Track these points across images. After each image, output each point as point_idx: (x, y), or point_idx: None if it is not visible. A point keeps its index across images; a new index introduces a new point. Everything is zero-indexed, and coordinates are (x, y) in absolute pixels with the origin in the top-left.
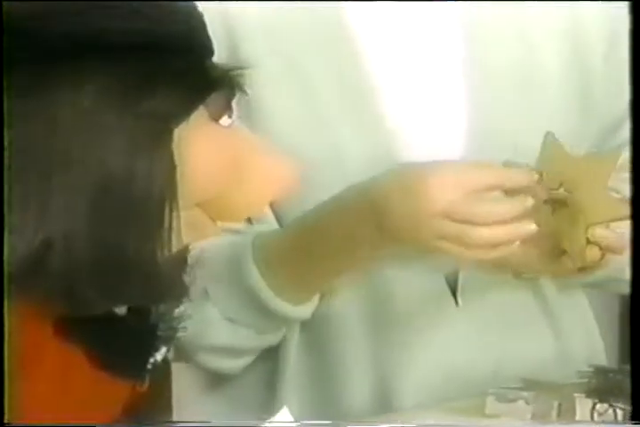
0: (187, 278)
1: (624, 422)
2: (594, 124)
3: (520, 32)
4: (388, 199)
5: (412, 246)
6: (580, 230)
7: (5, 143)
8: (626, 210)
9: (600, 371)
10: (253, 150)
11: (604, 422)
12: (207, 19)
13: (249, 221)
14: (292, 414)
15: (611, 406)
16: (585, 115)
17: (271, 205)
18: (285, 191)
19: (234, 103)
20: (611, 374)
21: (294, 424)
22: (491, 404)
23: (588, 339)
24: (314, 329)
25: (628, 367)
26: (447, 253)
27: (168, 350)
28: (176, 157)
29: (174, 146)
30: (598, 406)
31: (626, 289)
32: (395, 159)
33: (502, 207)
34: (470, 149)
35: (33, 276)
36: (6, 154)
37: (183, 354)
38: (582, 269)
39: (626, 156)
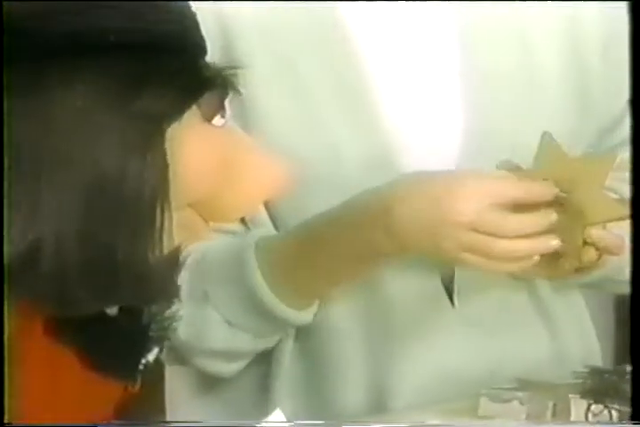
0: (178, 279)
1: (621, 422)
2: (592, 124)
3: (517, 32)
4: (406, 208)
5: (431, 256)
6: (577, 231)
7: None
8: (623, 211)
9: (595, 372)
10: (246, 150)
11: (599, 422)
12: (201, 18)
13: (243, 222)
14: (285, 416)
15: (606, 407)
16: (583, 115)
17: (266, 206)
18: (278, 191)
19: (227, 103)
20: (606, 375)
21: (288, 424)
22: (484, 404)
23: (584, 339)
24: (308, 332)
25: (623, 368)
26: (469, 264)
27: (160, 351)
28: (168, 157)
29: (167, 146)
30: (593, 407)
31: (622, 289)
32: (392, 160)
33: (529, 221)
34: (468, 150)
35: (23, 275)
36: (6, 153)
37: (180, 357)
38: (579, 270)
39: (623, 156)
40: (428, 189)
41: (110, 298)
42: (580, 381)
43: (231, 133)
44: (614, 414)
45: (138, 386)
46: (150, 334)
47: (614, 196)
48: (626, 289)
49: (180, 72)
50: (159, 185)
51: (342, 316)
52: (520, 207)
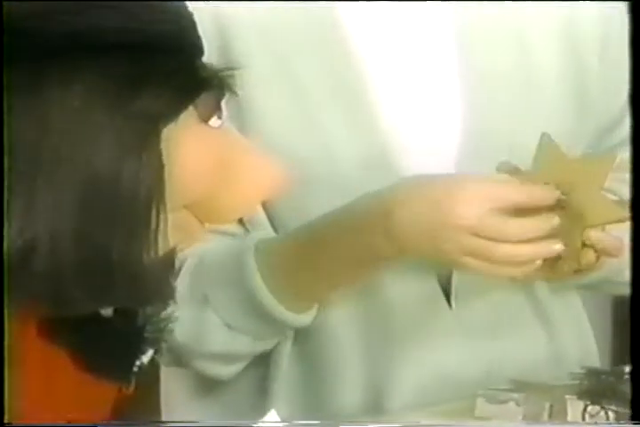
0: (174, 281)
1: (621, 422)
2: (590, 125)
3: (515, 32)
4: (407, 212)
5: (432, 260)
6: (575, 233)
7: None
8: (622, 213)
9: (592, 373)
10: (242, 151)
11: (597, 423)
12: (199, 18)
13: (242, 223)
14: (283, 418)
15: (602, 408)
16: (581, 115)
17: (264, 207)
18: (275, 192)
19: (224, 104)
20: (603, 376)
21: (284, 424)
22: (481, 406)
23: (582, 340)
24: (307, 334)
25: (620, 369)
26: (471, 268)
27: (155, 353)
28: (164, 158)
29: (163, 146)
30: (590, 408)
31: (620, 291)
32: (389, 160)
33: (531, 225)
34: (466, 150)
35: (17, 275)
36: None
37: (179, 359)
38: (577, 272)
39: (622, 157)
40: (428, 193)
41: (105, 298)
42: (577, 382)
43: (227, 134)
44: (611, 415)
45: (132, 388)
46: (145, 335)
47: (613, 197)
48: (623, 290)
49: (177, 72)
50: (155, 186)
51: (340, 318)
52: (521, 211)
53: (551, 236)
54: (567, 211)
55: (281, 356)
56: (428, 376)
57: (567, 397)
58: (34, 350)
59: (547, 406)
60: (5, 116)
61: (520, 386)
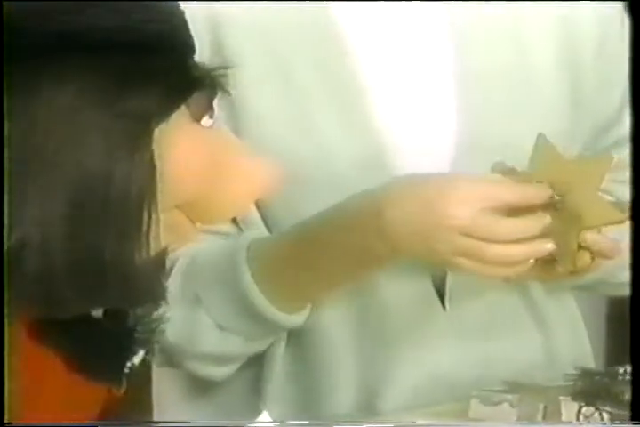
0: (165, 281)
1: (613, 423)
2: (586, 125)
3: (511, 32)
4: (398, 211)
5: (424, 260)
6: (571, 235)
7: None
8: (619, 214)
9: (587, 373)
10: (234, 151)
11: (596, 423)
12: (193, 18)
13: (235, 222)
14: (277, 419)
15: (597, 409)
16: (577, 115)
17: (258, 207)
18: (267, 192)
19: (216, 104)
20: (597, 377)
21: (276, 424)
22: (475, 407)
23: (576, 341)
24: (300, 335)
25: (615, 370)
26: (463, 269)
27: (146, 354)
28: (156, 158)
29: (154, 146)
30: (584, 409)
31: (615, 292)
32: (384, 160)
33: (523, 225)
34: (461, 150)
35: (8, 276)
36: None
37: (171, 360)
38: (573, 273)
39: (618, 157)
40: (420, 193)
41: (96, 299)
42: (572, 383)
43: (219, 134)
44: (605, 416)
45: (123, 389)
46: (136, 336)
47: (610, 198)
48: (618, 291)
49: (169, 72)
50: (146, 186)
51: (334, 319)
52: (514, 211)
53: (543, 235)
54: (563, 212)
55: (274, 357)
56: (422, 377)
57: (561, 398)
58: (23, 351)
59: (541, 407)
60: None
61: (514, 387)
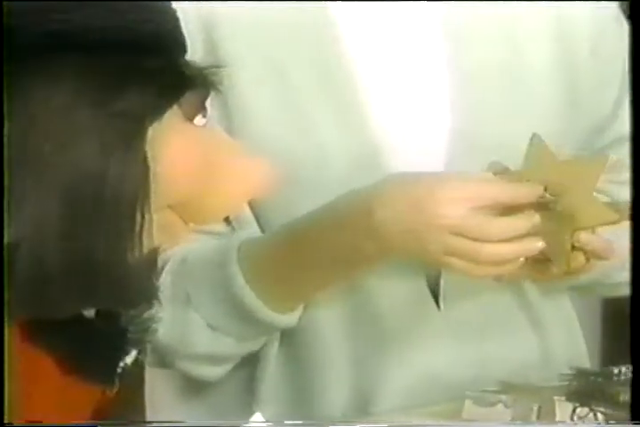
0: (157, 281)
1: (607, 423)
2: (581, 125)
3: (506, 32)
4: (389, 211)
5: (416, 259)
6: (565, 236)
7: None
8: (613, 215)
9: (581, 374)
10: (227, 151)
11: (596, 423)
12: (187, 17)
13: (228, 221)
14: (270, 420)
15: (591, 409)
16: (572, 115)
17: (251, 207)
18: (260, 192)
19: (209, 103)
20: (592, 377)
21: (270, 424)
22: (469, 407)
23: (571, 341)
24: (293, 335)
25: (610, 370)
26: (454, 268)
27: (139, 354)
28: (149, 158)
29: (148, 146)
30: (579, 409)
31: (610, 292)
32: (379, 160)
33: (513, 224)
34: (456, 150)
35: (7, 276)
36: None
37: (163, 360)
38: (567, 274)
39: (614, 158)
40: (410, 192)
41: (89, 299)
42: (566, 383)
43: (212, 133)
44: (600, 416)
45: (116, 389)
46: (129, 336)
47: (606, 199)
48: (613, 292)
49: (161, 71)
50: (140, 186)
51: (328, 319)
52: (505, 210)
53: (534, 234)
54: (557, 212)
55: (268, 357)
56: (416, 378)
57: (556, 398)
58: (15, 352)
59: (535, 407)
60: None
61: (508, 388)
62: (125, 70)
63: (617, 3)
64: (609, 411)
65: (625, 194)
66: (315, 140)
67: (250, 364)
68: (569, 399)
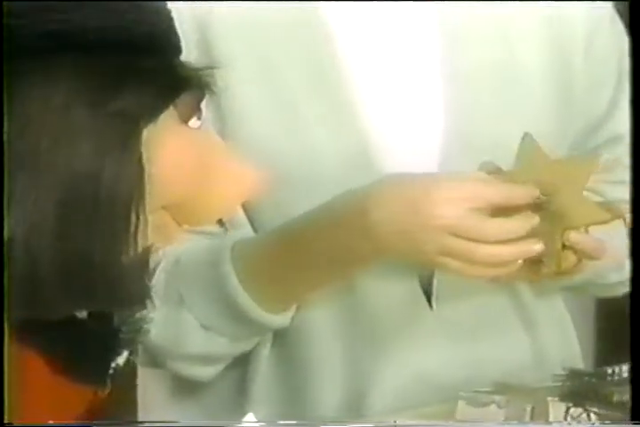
0: (150, 282)
1: (622, 422)
2: (575, 125)
3: (500, 32)
4: (385, 211)
5: (411, 260)
6: (556, 235)
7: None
8: (604, 214)
9: (575, 374)
10: (222, 153)
11: (595, 423)
12: (180, 17)
13: (221, 222)
14: (262, 420)
15: (585, 410)
16: (566, 115)
17: (244, 207)
18: (254, 195)
19: (204, 105)
20: (586, 378)
21: (263, 424)
22: (462, 408)
23: (565, 342)
24: (286, 335)
25: (603, 371)
26: (449, 269)
27: (130, 354)
28: (144, 159)
29: (143, 147)
30: (572, 410)
31: (604, 293)
32: (372, 160)
33: (511, 225)
34: (449, 150)
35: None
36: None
37: (155, 360)
38: (558, 274)
39: (607, 157)
40: (405, 192)
41: (83, 301)
42: (560, 384)
43: (206, 136)
44: (593, 417)
45: (107, 390)
46: (120, 337)
47: (599, 198)
48: (607, 292)
49: (157, 72)
50: (135, 186)
51: (320, 319)
52: (500, 211)
53: (531, 236)
54: (548, 212)
55: (260, 357)
56: (409, 378)
57: (549, 399)
58: (8, 353)
59: (528, 408)
60: None
61: (502, 388)
62: (122, 70)
63: (611, 3)
64: (602, 411)
65: (618, 194)
66: (308, 140)
67: (242, 364)
68: (562, 400)
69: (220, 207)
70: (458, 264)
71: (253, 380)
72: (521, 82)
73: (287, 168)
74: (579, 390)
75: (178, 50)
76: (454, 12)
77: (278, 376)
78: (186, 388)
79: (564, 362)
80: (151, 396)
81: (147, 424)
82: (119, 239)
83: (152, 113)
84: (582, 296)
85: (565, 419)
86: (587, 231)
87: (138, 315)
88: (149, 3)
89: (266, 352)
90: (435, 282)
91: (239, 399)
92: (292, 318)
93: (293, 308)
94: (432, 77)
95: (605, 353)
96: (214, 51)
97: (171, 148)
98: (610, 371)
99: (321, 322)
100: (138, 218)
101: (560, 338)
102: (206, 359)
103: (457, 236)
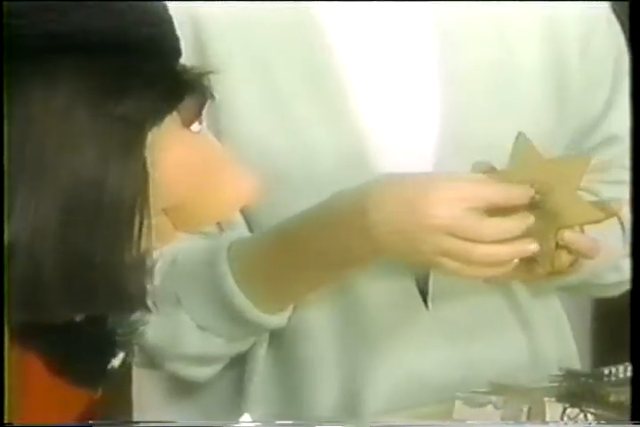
0: (151, 285)
1: (622, 422)
2: (571, 125)
3: (495, 32)
4: (383, 211)
5: (408, 260)
6: (549, 234)
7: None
8: (597, 213)
9: (572, 375)
10: (221, 158)
11: (594, 424)
12: (175, 18)
13: (219, 225)
14: (259, 420)
15: (582, 410)
16: (562, 115)
17: (241, 209)
18: (252, 200)
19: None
20: (582, 378)
21: (259, 424)
22: (459, 408)
23: (561, 342)
24: (282, 335)
25: (600, 371)
26: (446, 268)
27: (126, 356)
28: (149, 163)
29: (147, 151)
30: (569, 410)
31: (600, 293)
32: (368, 161)
33: (507, 225)
34: (445, 150)
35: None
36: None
37: (152, 361)
38: (551, 274)
39: (602, 157)
40: (402, 192)
41: (86, 304)
42: (556, 384)
43: (207, 140)
44: (590, 417)
45: (101, 392)
46: (117, 339)
47: (593, 198)
48: (603, 293)
49: (161, 75)
50: (139, 191)
51: (317, 319)
52: (496, 210)
53: (526, 235)
54: (542, 211)
55: (256, 357)
56: (406, 378)
57: (546, 399)
58: (8, 355)
59: (525, 408)
60: None
61: (498, 389)
62: (124, 73)
63: (608, 3)
64: (599, 412)
65: (612, 193)
66: (302, 139)
67: (239, 364)
68: (559, 400)
69: (218, 212)
70: (455, 264)
71: (250, 380)
72: (516, 82)
73: (282, 168)
74: (575, 391)
75: (178, 52)
76: (450, 11)
77: (275, 376)
78: (182, 388)
79: (560, 362)
80: (147, 396)
81: (145, 425)
82: (122, 243)
83: (157, 117)
84: (579, 296)
85: (562, 419)
86: (582, 231)
87: (134, 317)
88: (150, 4)
89: (262, 352)
90: (430, 282)
91: (235, 399)
92: (289, 319)
93: (290, 308)
94: (427, 78)
95: (602, 353)
96: (208, 51)
97: (174, 152)
98: (607, 371)
99: (317, 322)
100: (141, 222)
101: (556, 338)
102: (203, 360)
103: (454, 236)
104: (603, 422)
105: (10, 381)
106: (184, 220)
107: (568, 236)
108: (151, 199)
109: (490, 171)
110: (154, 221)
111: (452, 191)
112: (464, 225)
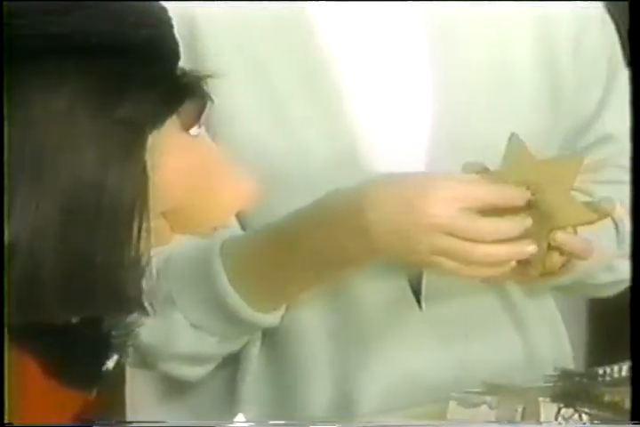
0: (150, 287)
1: (622, 422)
2: (564, 125)
3: (488, 32)
4: (380, 211)
5: (404, 260)
6: (542, 235)
7: None
8: (590, 214)
9: (566, 375)
10: (218, 162)
11: (594, 423)
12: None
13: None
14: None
15: (576, 410)
16: (555, 115)
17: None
18: (250, 203)
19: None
20: (577, 378)
21: (252, 424)
22: (453, 409)
23: (556, 342)
24: (275, 335)
25: (594, 371)
26: (443, 268)
27: (120, 357)
28: (149, 166)
29: (148, 154)
30: (563, 410)
31: (594, 293)
32: (362, 160)
33: (504, 225)
34: (438, 150)
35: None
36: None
37: (145, 361)
38: (544, 275)
39: (595, 157)
40: (400, 192)
41: (84, 306)
42: (551, 384)
43: (205, 144)
44: (584, 417)
45: (95, 393)
46: (112, 340)
47: (587, 198)
48: (598, 293)
49: (162, 78)
50: (139, 194)
51: (310, 319)
52: (491, 211)
53: (523, 236)
54: (534, 212)
55: (249, 357)
56: (399, 378)
57: (540, 399)
58: (7, 356)
59: (519, 408)
60: None
61: (493, 389)
62: (124, 75)
63: (602, 3)
64: (594, 412)
65: (606, 193)
66: (296, 139)
67: (232, 364)
68: (554, 400)
69: (216, 216)
70: (453, 264)
71: (243, 379)
72: (509, 82)
73: (276, 167)
74: (570, 391)
75: (177, 55)
76: (442, 12)
77: (268, 376)
78: (175, 388)
79: (555, 362)
80: (140, 397)
81: (138, 425)
82: (121, 245)
83: (157, 120)
84: (573, 296)
85: (556, 419)
86: (575, 231)
87: (129, 318)
88: (148, 5)
89: (255, 352)
90: (424, 282)
91: (229, 399)
92: (282, 318)
93: (283, 307)
94: (421, 78)
95: (597, 353)
96: (203, 51)
97: (173, 156)
98: (601, 371)
99: (311, 321)
100: (140, 225)
101: (551, 338)
102: (196, 359)
103: (453, 235)
104: (597, 422)
105: (10, 382)
106: (182, 223)
107: (560, 237)
108: (150, 202)
109: (482, 171)
110: (152, 224)
111: (449, 191)
112: (462, 225)
